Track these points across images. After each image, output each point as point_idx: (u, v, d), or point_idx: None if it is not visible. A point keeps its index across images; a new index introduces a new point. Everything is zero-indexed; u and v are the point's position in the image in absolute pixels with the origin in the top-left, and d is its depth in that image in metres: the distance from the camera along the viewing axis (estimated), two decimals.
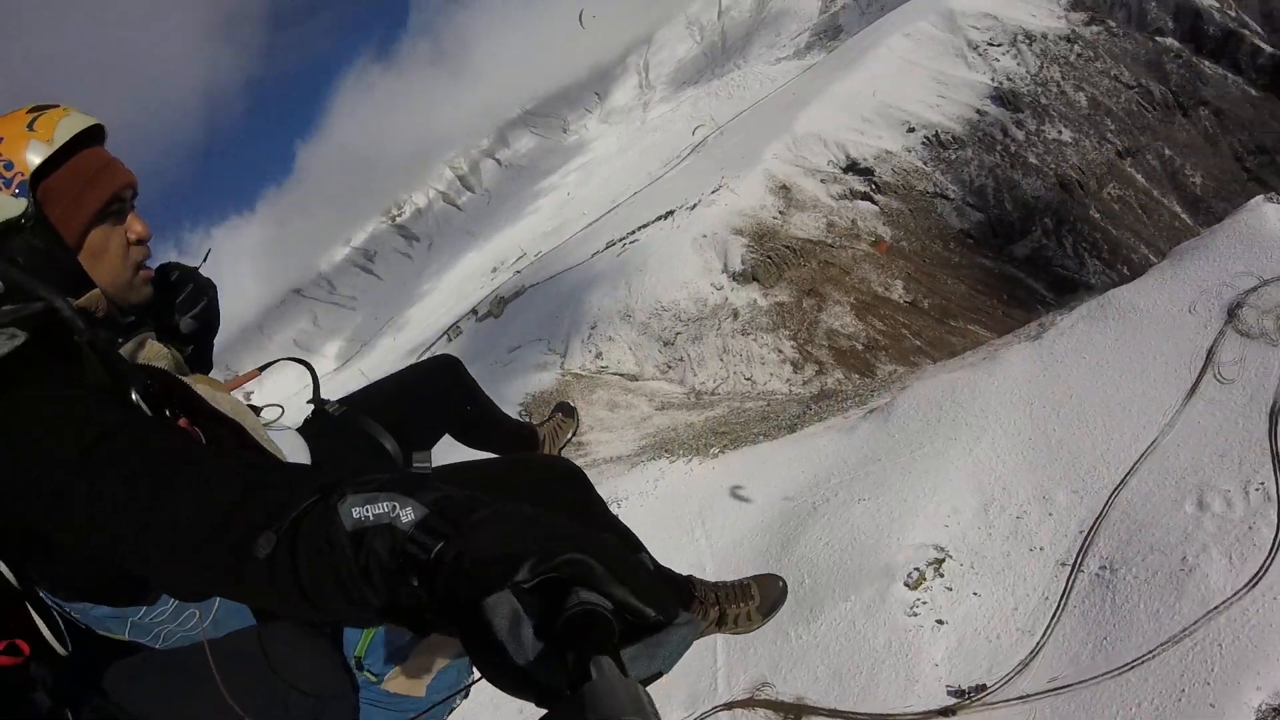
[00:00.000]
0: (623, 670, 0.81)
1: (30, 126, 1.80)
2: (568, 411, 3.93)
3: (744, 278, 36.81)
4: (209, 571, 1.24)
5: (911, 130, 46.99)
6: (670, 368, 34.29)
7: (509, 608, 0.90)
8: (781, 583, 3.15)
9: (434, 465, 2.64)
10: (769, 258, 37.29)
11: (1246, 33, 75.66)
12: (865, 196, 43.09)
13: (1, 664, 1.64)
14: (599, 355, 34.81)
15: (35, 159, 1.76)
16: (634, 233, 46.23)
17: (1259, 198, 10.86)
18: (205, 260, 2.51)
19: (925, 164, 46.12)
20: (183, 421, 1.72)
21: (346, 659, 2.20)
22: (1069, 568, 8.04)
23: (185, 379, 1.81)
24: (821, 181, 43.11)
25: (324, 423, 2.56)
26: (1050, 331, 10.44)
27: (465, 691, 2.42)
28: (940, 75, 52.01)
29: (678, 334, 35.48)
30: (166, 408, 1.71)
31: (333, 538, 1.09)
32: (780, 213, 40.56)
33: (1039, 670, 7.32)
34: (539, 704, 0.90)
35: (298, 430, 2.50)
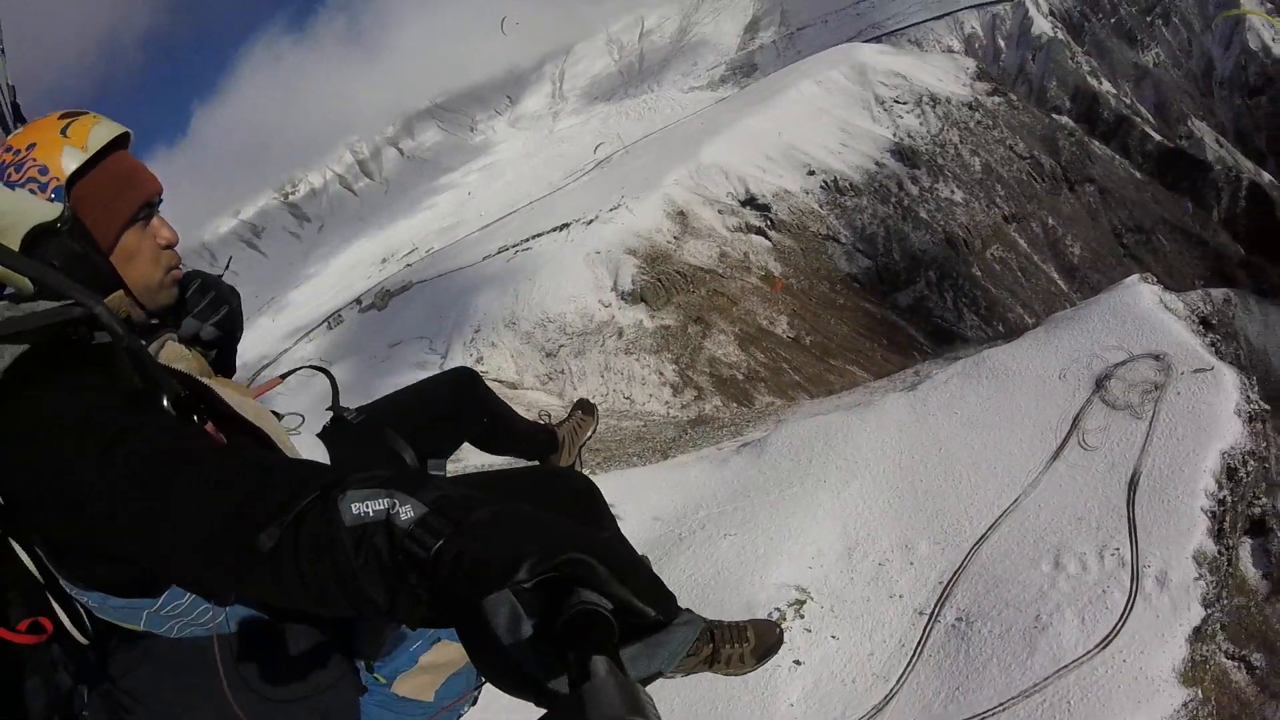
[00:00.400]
0: (622, 670, 0.83)
1: (64, 133, 1.88)
2: (587, 409, 3.93)
3: (632, 298, 38.10)
4: (217, 566, 1.29)
5: (812, 173, 50.17)
6: (551, 379, 35.48)
7: (508, 607, 0.93)
8: (779, 630, 3.19)
9: (449, 475, 2.73)
10: (659, 280, 38.86)
11: (1138, 120, 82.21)
12: (760, 231, 45.58)
13: (25, 642, 1.70)
14: (480, 359, 35.65)
15: (70, 165, 1.84)
16: (528, 240, 47.22)
17: (1135, 277, 12.00)
18: (227, 268, 2.63)
19: (821, 207, 49.12)
20: (209, 426, 1.76)
21: (355, 661, 2.21)
22: (926, 616, 8.57)
23: (210, 383, 1.84)
24: (719, 212, 45.28)
25: (343, 430, 2.63)
26: (925, 384, 11.35)
27: (474, 698, 2.46)
28: (845, 124, 55.38)
29: (561, 346, 36.53)
30: (194, 413, 1.75)
31: (333, 534, 1.12)
32: (675, 238, 42.21)
33: (892, 716, 7.78)
34: (539, 704, 0.92)
35: (318, 436, 2.55)
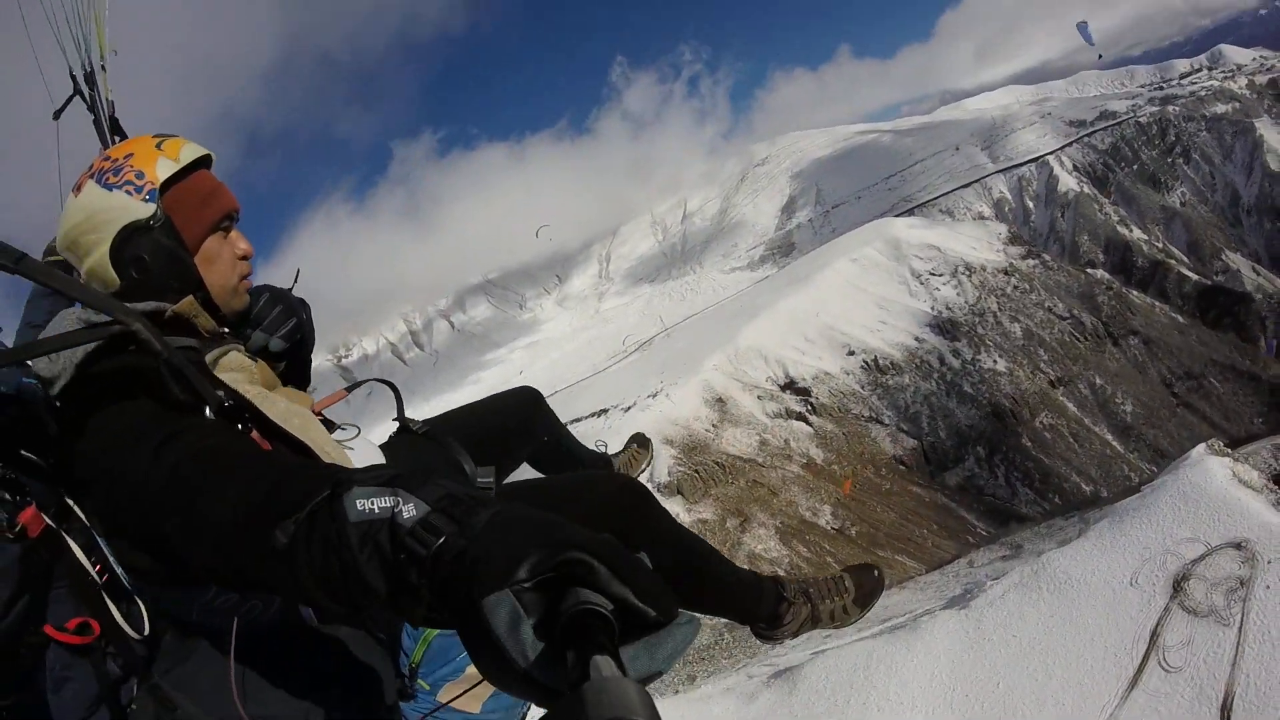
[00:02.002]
0: (622, 670, 0.81)
1: (158, 147, 2.08)
2: (643, 443, 4.00)
3: (669, 490, 37.09)
4: (239, 560, 1.33)
5: (851, 353, 49.49)
6: None
7: (509, 607, 0.91)
8: (877, 571, 3.09)
9: (506, 481, 2.78)
10: (697, 472, 37.90)
11: (1173, 262, 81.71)
12: (800, 416, 44.51)
13: (72, 642, 1.80)
14: None
15: (164, 172, 2.04)
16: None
17: (1201, 448, 10.54)
18: (296, 281, 2.68)
19: (862, 387, 48.22)
20: (254, 435, 1.80)
21: (401, 667, 2.30)
22: None
23: (259, 397, 1.88)
24: (758, 398, 44.49)
25: (407, 441, 2.66)
26: (979, 600, 9.64)
27: (524, 714, 2.48)
28: (883, 301, 55.30)
29: None
30: (238, 423, 1.80)
31: (339, 530, 1.14)
32: (714, 425, 41.50)
33: None
34: (539, 704, 0.91)
35: (381, 446, 2.58)
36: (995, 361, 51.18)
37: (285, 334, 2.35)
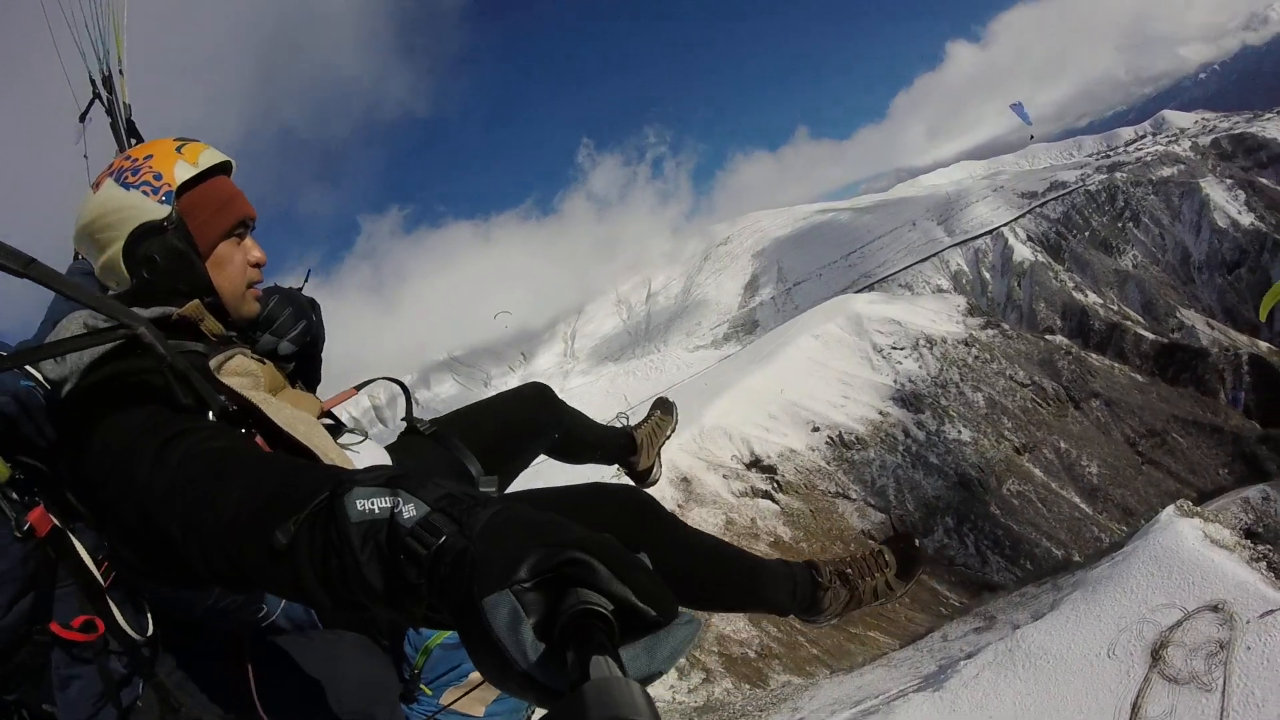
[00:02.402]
0: (622, 670, 0.81)
1: (179, 150, 2.11)
2: (666, 408, 3.92)
3: None
4: (241, 560, 1.34)
5: (816, 429, 49.79)
6: None
7: (508, 607, 0.91)
8: (918, 541, 3.00)
9: (515, 489, 2.66)
10: None
11: (1129, 323, 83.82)
12: (766, 495, 44.49)
13: (76, 639, 1.83)
14: None
15: (182, 175, 2.07)
16: None
17: (1170, 510, 10.37)
18: (306, 280, 2.69)
19: (828, 463, 48.35)
20: (257, 440, 1.82)
21: (404, 673, 2.34)
22: None
23: (263, 402, 1.89)
24: (724, 476, 44.45)
25: (413, 441, 2.66)
26: (953, 680, 9.68)
27: (528, 718, 2.48)
28: (846, 376, 55.60)
29: None
30: (242, 427, 1.83)
31: (340, 530, 1.14)
32: (679, 505, 41.41)
33: None
34: (539, 704, 0.91)
35: (387, 448, 2.58)
36: (959, 431, 51.68)
37: (294, 337, 2.39)
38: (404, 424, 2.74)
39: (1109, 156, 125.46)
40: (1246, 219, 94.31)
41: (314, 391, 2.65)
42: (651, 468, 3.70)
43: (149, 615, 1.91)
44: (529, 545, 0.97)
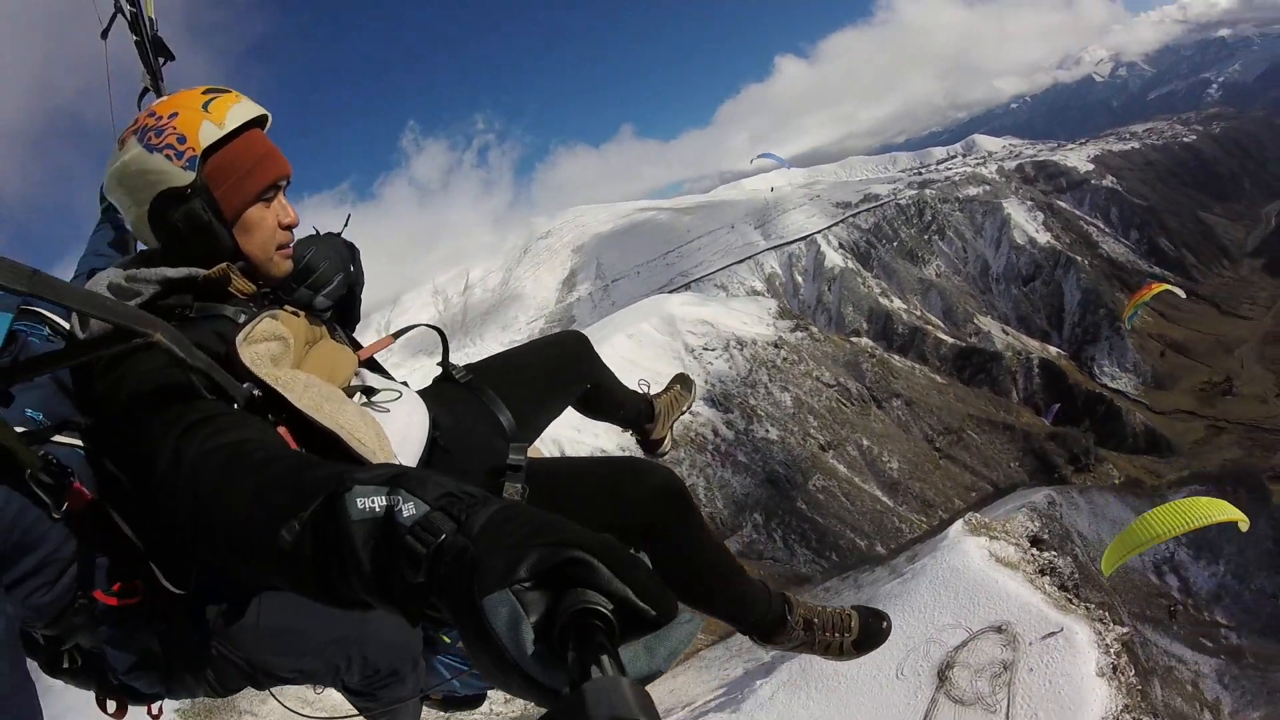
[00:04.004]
0: (622, 670, 0.82)
1: (205, 108, 2.03)
2: (686, 384, 3.96)
3: None
4: (247, 557, 1.38)
5: (626, 430, 49.70)
6: None
7: (508, 606, 0.92)
8: (886, 622, 3.00)
9: (540, 456, 2.70)
10: None
11: (930, 328, 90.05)
12: None
13: (114, 604, 1.86)
14: None
15: (207, 138, 1.99)
16: None
17: (958, 526, 10.86)
18: (346, 225, 2.71)
19: None
20: (281, 429, 1.81)
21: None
22: None
23: (286, 384, 1.86)
24: None
25: (448, 389, 2.65)
26: (748, 702, 10.09)
27: None
28: (658, 376, 54.12)
29: None
30: (268, 413, 1.82)
31: (340, 529, 1.17)
32: None
33: None
34: (539, 703, 0.91)
35: (420, 393, 2.57)
36: (767, 430, 54.12)
37: (330, 291, 2.39)
38: (439, 370, 2.75)
39: (921, 173, 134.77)
40: (1043, 237, 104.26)
41: (352, 332, 2.68)
42: (664, 438, 3.76)
43: (190, 571, 1.89)
44: (529, 544, 0.98)
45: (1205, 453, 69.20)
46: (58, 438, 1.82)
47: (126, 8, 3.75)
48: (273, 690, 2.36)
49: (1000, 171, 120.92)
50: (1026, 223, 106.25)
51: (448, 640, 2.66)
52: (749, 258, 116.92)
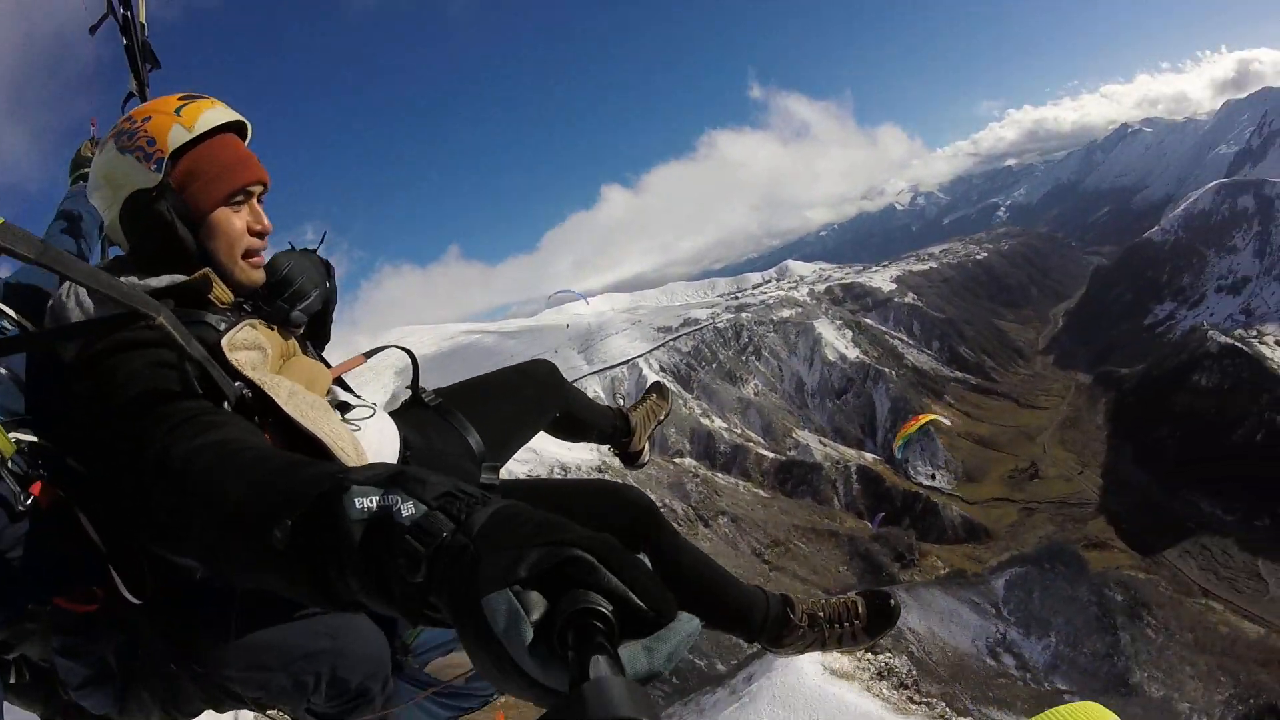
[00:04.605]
0: (621, 670, 0.82)
1: (177, 112, 2.06)
2: (662, 393, 3.95)
3: None
4: (236, 556, 1.34)
5: None
6: None
7: (508, 606, 0.91)
8: (893, 600, 2.99)
9: (512, 478, 2.75)
10: None
11: (751, 445, 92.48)
12: None
13: (75, 609, 1.85)
14: None
15: (175, 141, 2.02)
16: None
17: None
18: (322, 242, 2.63)
19: None
20: (266, 435, 1.76)
21: (394, 644, 2.35)
22: None
23: (272, 387, 1.86)
24: None
25: (417, 411, 2.64)
26: None
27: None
28: None
29: None
30: (255, 414, 1.82)
31: (338, 529, 1.14)
32: None
33: None
34: (538, 703, 0.91)
35: (391, 414, 2.55)
36: None
37: (306, 306, 2.35)
38: (409, 393, 2.78)
39: (738, 298, 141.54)
40: (853, 353, 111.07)
41: (322, 350, 2.66)
42: (643, 450, 3.76)
43: (147, 580, 1.85)
44: (529, 544, 0.97)
45: (1021, 533, 73.84)
46: (14, 434, 1.81)
47: (119, 10, 3.80)
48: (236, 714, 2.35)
49: (811, 294, 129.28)
50: (837, 340, 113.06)
51: (415, 665, 2.64)
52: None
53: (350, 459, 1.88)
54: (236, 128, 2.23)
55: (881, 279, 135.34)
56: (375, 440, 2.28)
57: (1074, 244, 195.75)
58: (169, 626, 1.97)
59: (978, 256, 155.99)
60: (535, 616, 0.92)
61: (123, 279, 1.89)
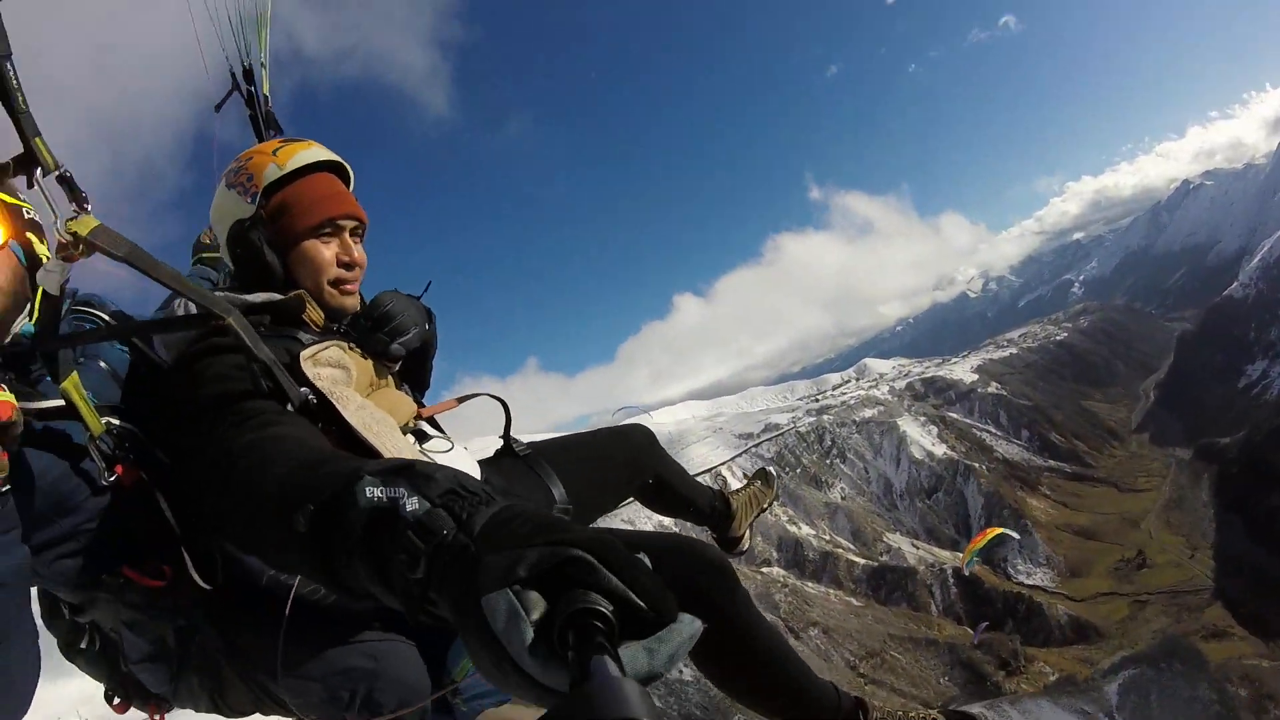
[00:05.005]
0: (621, 670, 0.82)
1: (274, 152, 2.31)
2: (767, 480, 3.90)
3: None
4: (266, 540, 1.43)
5: None
6: None
7: (507, 605, 0.91)
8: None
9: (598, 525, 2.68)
10: None
11: (841, 551, 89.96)
12: None
13: (145, 583, 1.94)
14: None
15: (269, 177, 2.27)
16: None
17: None
18: (426, 290, 2.75)
19: None
20: (331, 438, 1.86)
21: (444, 680, 2.31)
22: None
23: (341, 399, 1.96)
24: None
25: (506, 462, 2.71)
26: None
27: None
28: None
29: None
30: (319, 421, 1.91)
31: (349, 516, 1.18)
32: None
33: None
34: (538, 703, 0.91)
35: (481, 462, 2.62)
36: (681, 671, 52.76)
37: (406, 340, 2.49)
38: (501, 442, 2.82)
39: (818, 400, 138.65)
40: (940, 449, 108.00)
41: (421, 395, 2.80)
42: (743, 537, 3.69)
43: (218, 569, 1.97)
44: (529, 543, 0.97)
45: (1134, 629, 69.95)
46: (106, 418, 1.93)
47: (244, 86, 4.03)
48: None
49: (892, 391, 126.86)
50: (922, 437, 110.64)
51: (464, 708, 2.52)
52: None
53: None
54: (337, 169, 2.45)
55: (962, 370, 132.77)
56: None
57: (1154, 312, 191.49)
58: (225, 620, 2.05)
59: (1058, 338, 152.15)
60: (535, 616, 0.91)
61: (219, 293, 2.12)
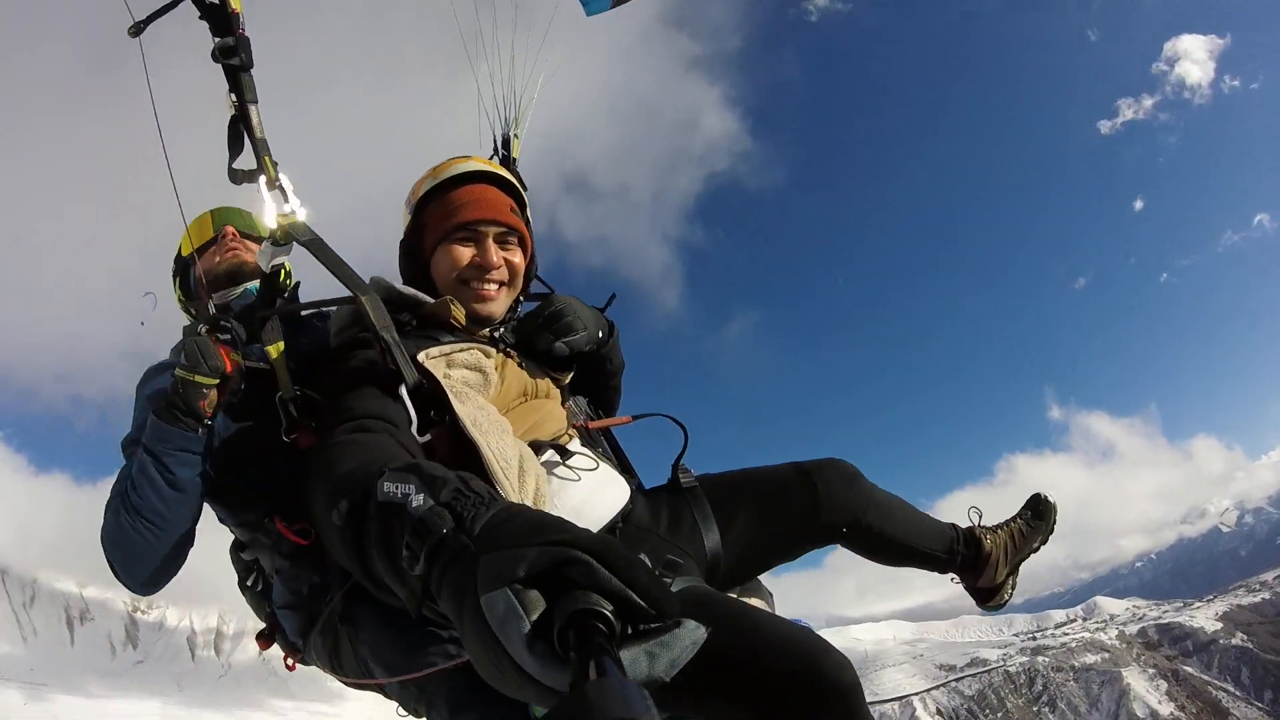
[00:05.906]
0: (622, 672, 0.81)
1: (435, 168, 2.54)
2: (1040, 512, 3.06)
3: None
4: (322, 532, 1.57)
5: None
6: None
7: (505, 604, 0.92)
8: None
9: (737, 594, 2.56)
10: None
11: None
12: None
13: (290, 539, 2.15)
14: None
15: (422, 189, 2.52)
16: None
17: None
18: (609, 303, 2.83)
19: None
20: (436, 430, 2.01)
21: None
22: None
23: (456, 394, 2.03)
24: None
25: (672, 493, 2.57)
26: None
27: None
28: None
29: None
30: (431, 408, 2.01)
31: (369, 510, 1.27)
32: None
33: None
34: (537, 703, 0.93)
35: (650, 490, 2.62)
36: None
37: (570, 340, 2.51)
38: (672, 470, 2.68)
39: (1035, 638, 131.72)
40: (1166, 709, 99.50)
41: (609, 414, 2.86)
42: (1002, 587, 2.95)
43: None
44: (529, 544, 0.97)
45: None
46: (300, 388, 2.21)
47: (500, 152, 3.92)
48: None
49: (1121, 636, 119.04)
50: (1148, 693, 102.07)
51: None
52: None
53: (509, 480, 1.90)
54: (497, 180, 2.55)
55: (1204, 616, 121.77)
56: (583, 496, 2.20)
57: None
58: (350, 590, 2.15)
59: None
60: (534, 616, 0.92)
61: (389, 282, 2.44)
